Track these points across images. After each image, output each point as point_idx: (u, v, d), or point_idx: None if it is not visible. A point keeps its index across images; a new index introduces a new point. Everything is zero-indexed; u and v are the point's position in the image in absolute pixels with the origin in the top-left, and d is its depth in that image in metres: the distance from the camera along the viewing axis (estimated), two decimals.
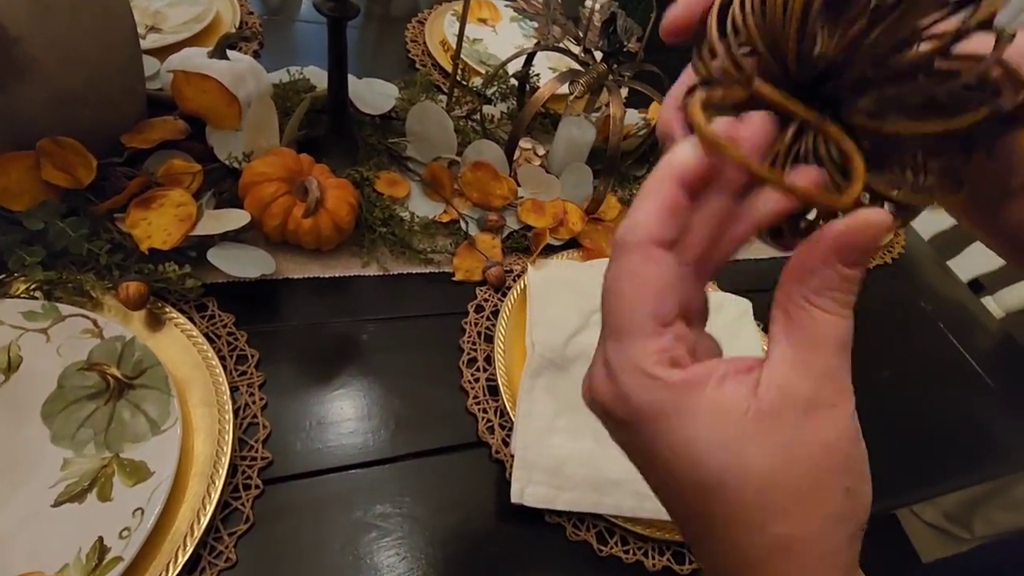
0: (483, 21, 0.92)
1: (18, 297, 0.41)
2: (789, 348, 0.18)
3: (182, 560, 0.35)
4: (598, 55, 0.62)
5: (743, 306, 0.61)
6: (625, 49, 0.57)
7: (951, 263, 1.08)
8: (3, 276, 0.42)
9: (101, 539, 0.33)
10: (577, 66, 0.61)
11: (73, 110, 0.43)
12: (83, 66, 0.42)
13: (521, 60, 0.68)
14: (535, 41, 0.62)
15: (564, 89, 0.59)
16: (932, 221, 1.13)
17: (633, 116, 0.78)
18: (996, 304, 1.04)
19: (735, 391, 0.17)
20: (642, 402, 0.18)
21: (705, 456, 0.17)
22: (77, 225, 0.42)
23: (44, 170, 0.42)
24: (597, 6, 0.61)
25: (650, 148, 0.75)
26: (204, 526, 0.36)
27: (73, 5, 0.40)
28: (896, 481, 0.58)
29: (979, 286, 1.11)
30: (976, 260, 1.06)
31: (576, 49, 0.61)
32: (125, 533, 0.34)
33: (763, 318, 0.64)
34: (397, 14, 0.92)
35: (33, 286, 0.42)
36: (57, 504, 0.35)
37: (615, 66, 0.60)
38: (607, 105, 0.61)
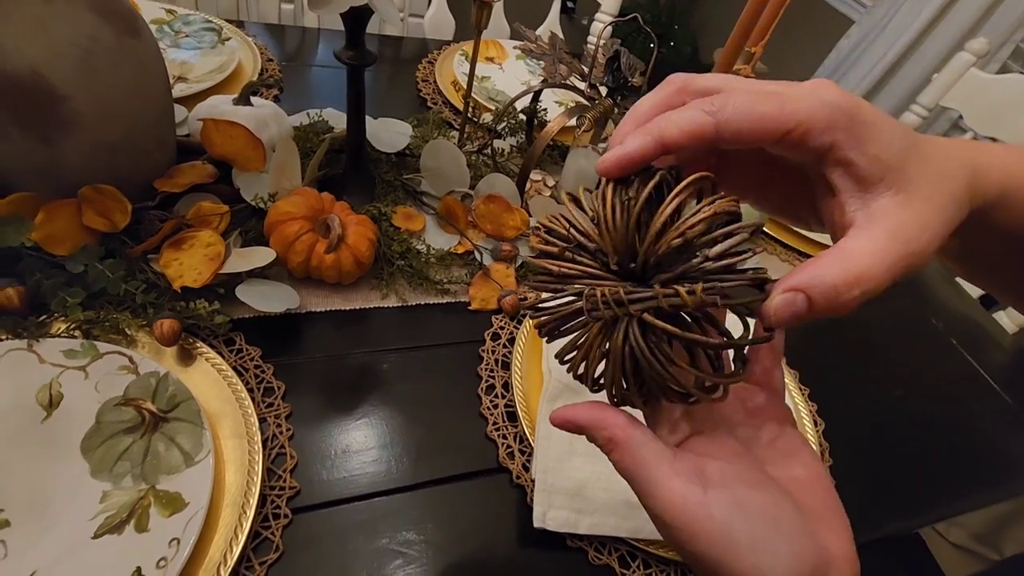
0: (490, 59, 0.96)
1: (58, 336, 0.43)
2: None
3: None
4: (603, 90, 0.65)
5: None
6: (629, 84, 0.60)
7: (961, 279, 1.09)
8: (44, 317, 0.44)
9: (139, 569, 0.35)
10: (584, 101, 0.63)
11: (111, 159, 0.46)
12: (122, 119, 0.45)
13: (528, 96, 0.71)
14: (542, 78, 0.65)
15: (572, 122, 0.62)
16: None
17: None
18: (1009, 319, 1.03)
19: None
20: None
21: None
22: (115, 267, 0.45)
23: (85, 216, 0.45)
24: (601, 43, 0.64)
25: None
26: (236, 555, 0.37)
27: (115, 63, 0.43)
28: (915, 500, 0.58)
29: (991, 301, 1.11)
30: None
31: (582, 85, 0.64)
32: (162, 563, 0.35)
33: None
34: (407, 56, 0.96)
35: (72, 326, 0.44)
36: (97, 536, 0.36)
37: (619, 100, 0.63)
38: None
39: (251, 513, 0.39)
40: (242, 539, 0.38)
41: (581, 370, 0.25)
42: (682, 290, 0.21)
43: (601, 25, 1.13)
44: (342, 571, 0.40)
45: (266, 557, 0.39)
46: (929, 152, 0.22)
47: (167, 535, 0.36)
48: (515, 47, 0.98)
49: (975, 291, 1.06)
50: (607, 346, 0.23)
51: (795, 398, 0.59)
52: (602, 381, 0.25)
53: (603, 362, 0.24)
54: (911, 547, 0.79)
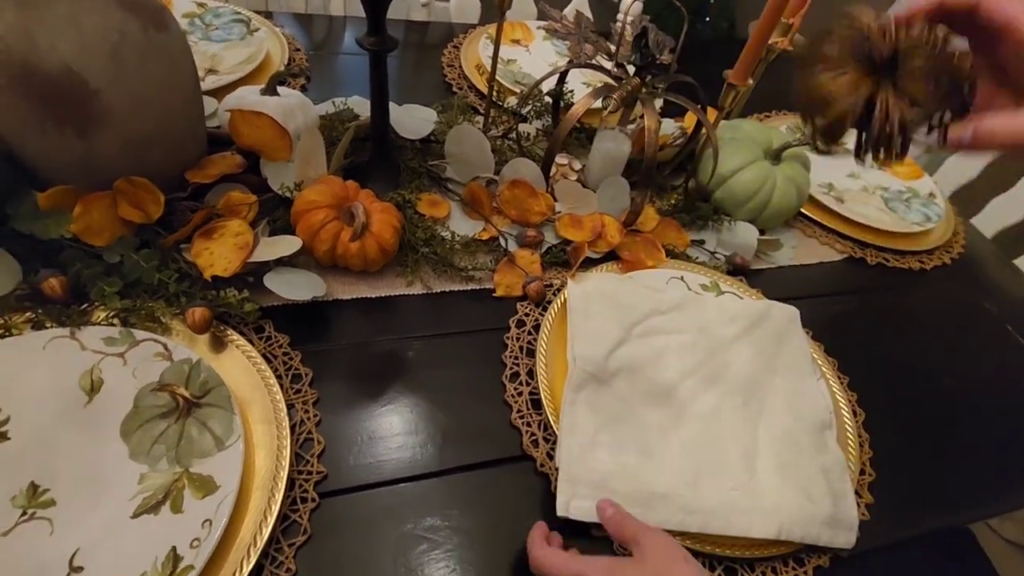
0: (516, 42, 0.94)
1: (98, 324, 0.45)
2: None
3: (246, 569, 0.37)
4: (631, 69, 0.63)
5: (790, 313, 0.60)
6: (658, 62, 0.58)
7: (1019, 262, 1.02)
8: (85, 306, 0.46)
9: (174, 548, 0.36)
10: (611, 81, 0.62)
11: (144, 152, 0.47)
12: (153, 113, 0.46)
13: (555, 78, 0.69)
14: (568, 59, 0.63)
15: (598, 104, 0.60)
16: (993, 218, 1.07)
17: (669, 126, 0.78)
18: None
19: None
20: None
21: None
22: (149, 257, 0.46)
23: (120, 208, 0.46)
24: (628, 20, 0.62)
25: (687, 157, 0.75)
26: (266, 537, 0.38)
27: (143, 57, 0.44)
28: (964, 495, 0.55)
29: None
30: None
31: (609, 64, 0.62)
32: (195, 543, 0.36)
33: (810, 325, 0.62)
34: (433, 41, 0.95)
35: (112, 314, 0.46)
36: (136, 516, 0.37)
37: (648, 79, 0.61)
38: (642, 117, 0.62)
39: (280, 496, 0.40)
40: (271, 521, 0.39)
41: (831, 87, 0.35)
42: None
43: (629, 1, 1.09)
44: (368, 555, 0.41)
45: (294, 539, 0.40)
46: None
47: (200, 516, 0.37)
48: (539, 27, 0.96)
49: None
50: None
51: (833, 387, 0.57)
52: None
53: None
54: (961, 543, 0.76)
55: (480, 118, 0.75)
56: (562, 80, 0.70)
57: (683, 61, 0.61)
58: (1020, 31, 0.31)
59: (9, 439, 0.39)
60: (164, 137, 0.49)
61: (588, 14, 1.17)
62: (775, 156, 0.70)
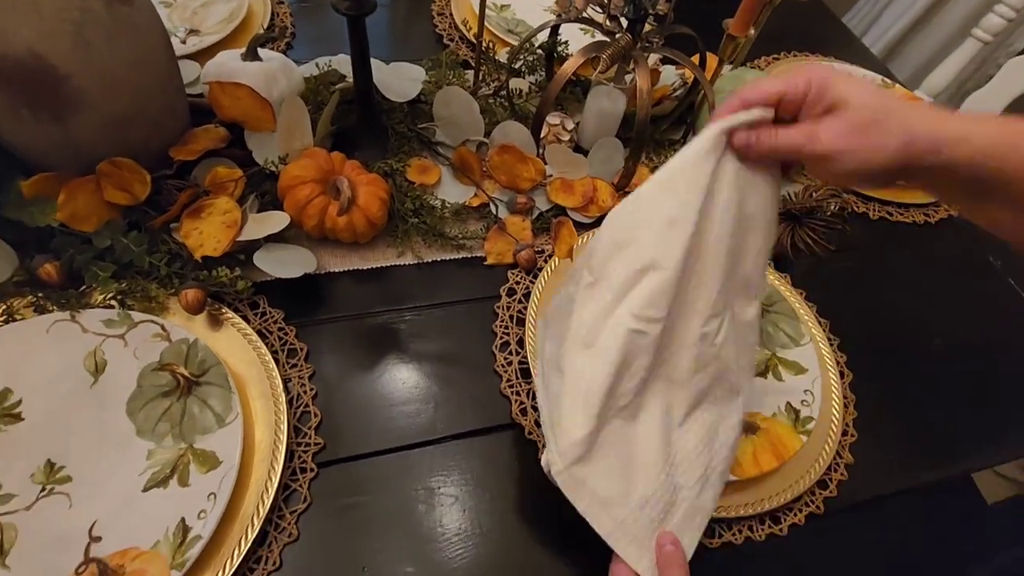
0: None
1: (97, 307, 0.46)
2: None
3: (251, 536, 0.40)
4: (625, 21, 0.59)
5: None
6: (651, 14, 0.55)
7: None
8: (83, 288, 0.47)
9: (183, 520, 0.39)
10: (603, 36, 0.59)
11: (123, 132, 0.47)
12: (126, 91, 0.45)
13: (547, 31, 0.66)
14: (556, 14, 0.60)
15: (590, 59, 0.58)
16: None
17: (670, 75, 0.75)
18: None
19: None
20: None
21: None
22: (138, 240, 0.47)
23: (105, 191, 0.46)
24: None
25: (687, 109, 0.72)
26: (268, 506, 0.41)
27: (110, 34, 0.43)
28: (947, 451, 0.56)
29: None
30: None
31: (600, 17, 0.59)
32: (202, 515, 0.39)
33: (805, 285, 0.62)
34: None
35: (109, 296, 0.47)
36: (146, 490, 0.40)
37: (642, 33, 0.58)
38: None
39: (279, 468, 0.43)
40: (272, 491, 0.42)
41: None
42: None
43: None
44: (366, 519, 0.43)
45: (296, 507, 0.42)
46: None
47: (205, 489, 0.40)
48: None
49: None
50: None
51: (822, 350, 0.57)
52: None
53: None
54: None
55: (472, 73, 0.72)
56: (555, 33, 0.67)
57: (679, 11, 0.58)
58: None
59: (23, 419, 0.42)
60: (142, 115, 0.48)
61: None
62: None
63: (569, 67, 0.56)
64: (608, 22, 0.59)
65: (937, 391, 0.60)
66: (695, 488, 0.38)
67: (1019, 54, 1.08)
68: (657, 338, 0.37)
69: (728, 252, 0.37)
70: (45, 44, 0.40)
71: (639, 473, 0.38)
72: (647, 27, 0.58)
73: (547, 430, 0.39)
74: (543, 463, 0.39)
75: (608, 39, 0.59)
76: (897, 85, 0.90)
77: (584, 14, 0.58)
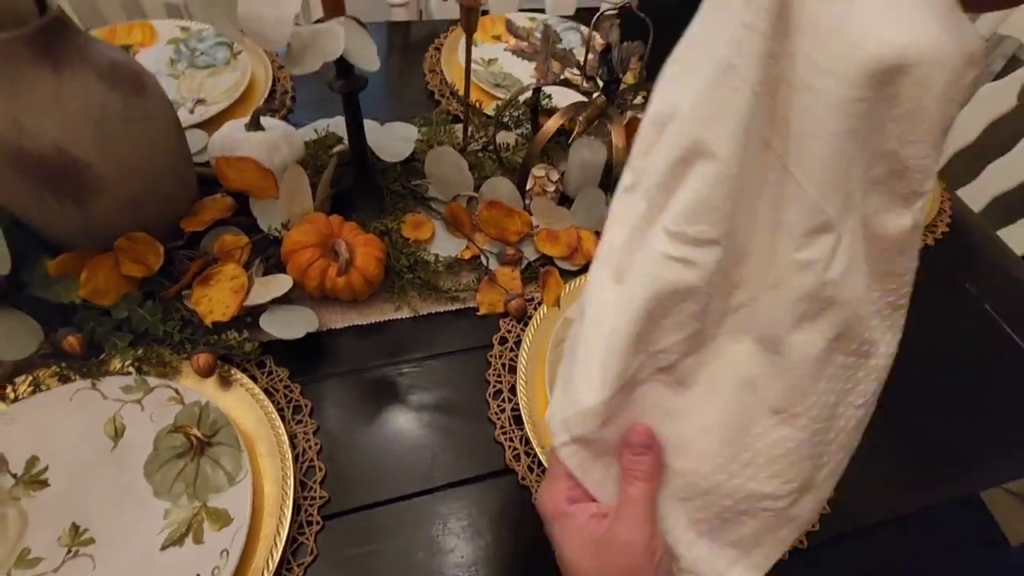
0: (497, 38, 0.94)
1: (116, 374, 0.50)
2: (619, 507, 0.31)
3: None
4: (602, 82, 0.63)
5: None
6: (622, 80, 0.59)
7: (1008, 231, 1.02)
8: (102, 356, 0.51)
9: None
10: (581, 96, 0.63)
11: (138, 210, 0.51)
12: (141, 173, 0.49)
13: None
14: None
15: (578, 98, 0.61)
16: (990, 184, 1.06)
17: None
18: None
19: (589, 522, 0.31)
20: (547, 511, 0.33)
21: (568, 553, 0.31)
22: (153, 310, 0.50)
23: (123, 266, 0.50)
24: (596, 34, 0.62)
25: None
26: (277, 560, 0.44)
27: (126, 124, 0.47)
28: (938, 479, 0.58)
29: None
30: None
31: (578, 79, 0.63)
32: (216, 571, 0.42)
33: None
34: (419, 40, 0.95)
35: (127, 363, 0.50)
36: (164, 548, 0.43)
37: (618, 91, 0.62)
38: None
39: (287, 523, 0.45)
40: (281, 546, 0.44)
41: None
42: None
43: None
44: (370, 569, 0.46)
45: (303, 560, 0.45)
46: None
47: (218, 547, 0.43)
48: (505, 48, 0.91)
49: (1021, 246, 1.00)
50: None
51: None
52: None
53: None
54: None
55: (461, 125, 0.76)
56: (538, 90, 0.71)
57: (657, 62, 0.62)
58: None
59: (50, 485, 0.45)
60: (156, 193, 0.52)
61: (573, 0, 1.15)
62: None
63: (550, 127, 0.60)
64: (585, 82, 0.63)
65: (922, 415, 0.62)
66: (789, 497, 0.27)
67: (993, 79, 1.12)
68: (714, 271, 0.24)
69: (845, 114, 0.21)
70: (68, 138, 0.44)
71: (688, 462, 0.27)
72: (623, 84, 0.63)
73: (556, 386, 0.30)
74: (547, 417, 0.32)
75: (586, 98, 0.63)
76: None
77: (562, 77, 0.62)
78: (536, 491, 0.50)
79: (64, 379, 0.49)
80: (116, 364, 0.51)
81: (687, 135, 0.23)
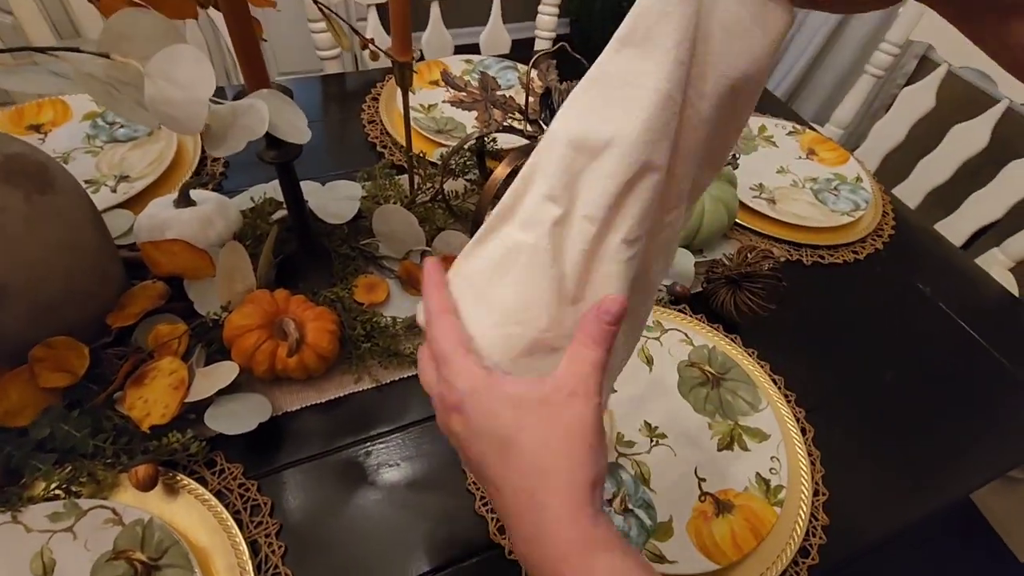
0: (435, 83, 0.93)
1: (40, 500, 0.44)
2: (565, 362, 0.29)
3: None
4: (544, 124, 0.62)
5: None
6: None
7: (947, 222, 1.06)
8: (23, 481, 0.45)
9: None
10: (525, 140, 0.61)
11: (55, 313, 0.46)
12: (55, 275, 0.45)
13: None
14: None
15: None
16: (922, 180, 1.10)
17: None
18: (1004, 255, 1.01)
19: (520, 383, 0.29)
20: (464, 385, 0.29)
21: (503, 427, 0.28)
22: (80, 423, 0.45)
23: (41, 378, 0.45)
24: (534, 75, 0.61)
25: None
26: None
27: (31, 227, 0.43)
28: (926, 484, 0.58)
29: (986, 231, 1.08)
30: (977, 209, 1.04)
31: (521, 124, 0.62)
32: None
33: (755, 344, 0.64)
34: (354, 91, 0.93)
35: (52, 485, 0.45)
36: None
37: None
38: None
39: None
40: None
41: None
42: None
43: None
44: None
45: None
46: None
47: None
48: (444, 100, 0.90)
49: (966, 230, 1.04)
50: None
51: (781, 411, 0.59)
52: None
53: None
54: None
55: (405, 177, 0.74)
56: (480, 139, 0.70)
57: None
58: None
59: None
60: (74, 293, 0.47)
61: (506, 34, 1.16)
62: None
63: (498, 175, 0.58)
64: (529, 126, 0.62)
65: (897, 425, 0.62)
66: None
67: (908, 80, 1.18)
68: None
69: (709, 124, 0.28)
70: None
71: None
72: None
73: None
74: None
75: (531, 141, 0.62)
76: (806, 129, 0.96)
77: (504, 124, 0.61)
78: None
79: None
80: (40, 489, 0.45)
81: (636, 158, 0.27)
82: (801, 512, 0.52)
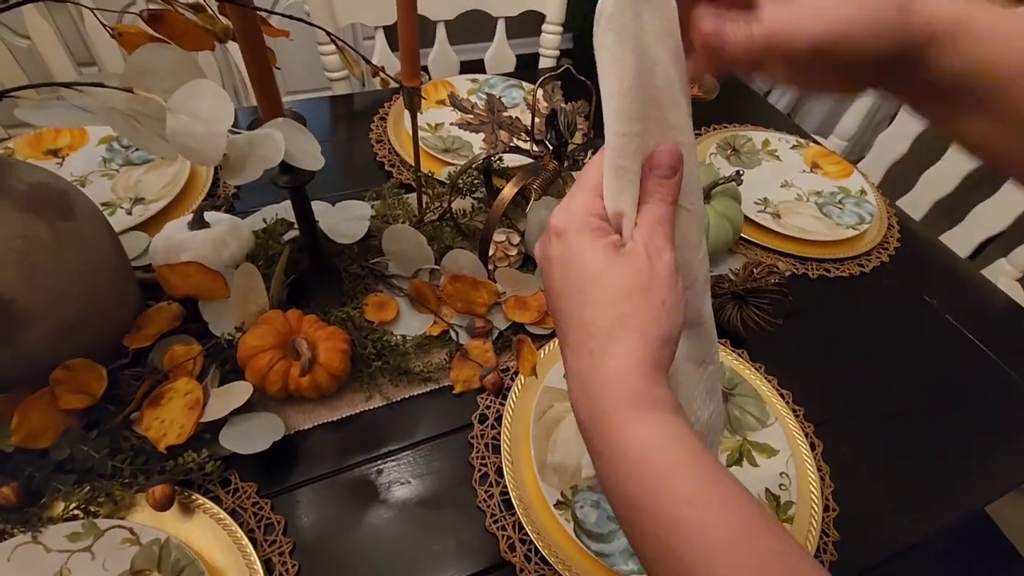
0: (442, 103, 0.94)
1: (60, 520, 0.45)
2: (640, 221, 0.30)
3: None
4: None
5: None
6: (569, 144, 0.59)
7: (953, 233, 1.06)
8: (43, 501, 0.46)
9: None
10: (532, 160, 0.63)
11: (74, 335, 0.47)
12: (75, 299, 0.46)
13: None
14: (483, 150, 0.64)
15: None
16: (926, 192, 1.11)
17: None
18: (1011, 265, 1.01)
19: (610, 236, 0.30)
20: (577, 214, 0.30)
21: (592, 262, 0.29)
22: (99, 444, 0.46)
23: (60, 399, 0.46)
24: (540, 94, 0.63)
25: None
26: None
27: (54, 253, 0.44)
28: (937, 499, 0.58)
29: (992, 242, 1.08)
30: (983, 220, 1.04)
31: (527, 144, 0.63)
32: None
33: (761, 359, 0.64)
34: (363, 109, 0.95)
35: (72, 505, 0.46)
36: None
37: (567, 153, 0.62)
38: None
39: None
40: None
41: None
42: None
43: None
44: None
45: None
46: None
47: None
48: (451, 123, 0.91)
49: (965, 249, 1.04)
50: None
51: (790, 426, 0.59)
52: None
53: None
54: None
55: (415, 195, 0.75)
56: (487, 159, 0.71)
57: (598, 127, 0.62)
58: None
59: None
60: (93, 315, 0.48)
61: (510, 52, 1.18)
62: (705, 196, 0.72)
63: (506, 196, 0.59)
64: (535, 147, 0.63)
65: (908, 439, 0.62)
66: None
67: None
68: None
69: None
70: None
71: None
72: (572, 144, 0.63)
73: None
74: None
75: (537, 161, 0.63)
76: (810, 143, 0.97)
77: (510, 144, 0.62)
78: None
79: (0, 535, 0.44)
80: (59, 509, 0.46)
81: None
82: (811, 528, 0.52)
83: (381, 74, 0.50)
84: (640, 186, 0.30)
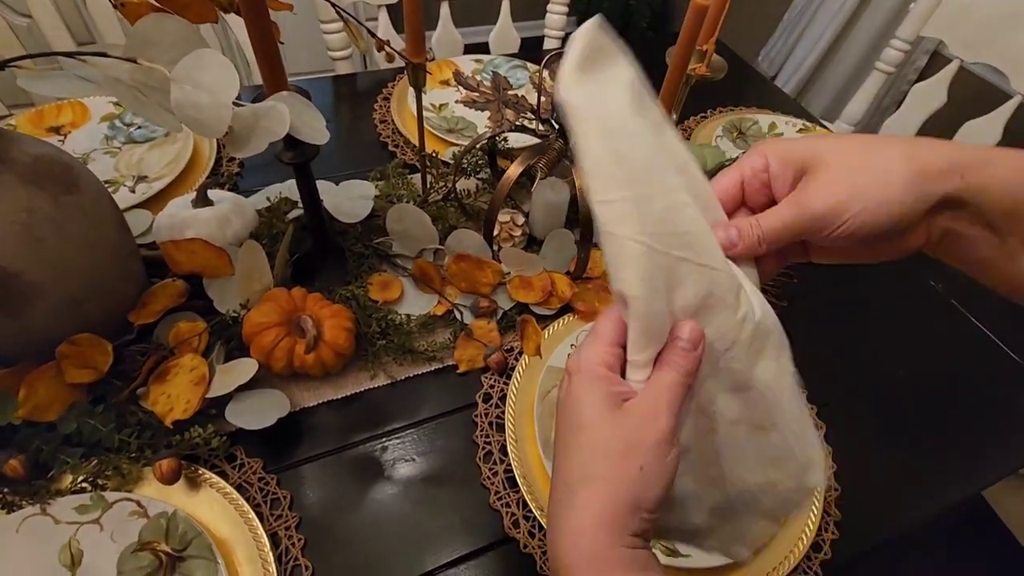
0: (446, 83, 0.93)
1: (68, 493, 0.45)
2: (649, 384, 0.30)
3: None
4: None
5: None
6: None
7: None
8: (52, 474, 0.46)
9: None
10: (538, 139, 0.62)
11: (79, 310, 0.47)
12: (80, 273, 0.46)
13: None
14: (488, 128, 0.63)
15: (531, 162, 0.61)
16: None
17: None
18: None
19: (614, 386, 0.30)
20: (587, 359, 0.30)
21: (585, 411, 0.29)
22: (106, 418, 0.46)
23: (67, 373, 0.46)
24: (546, 74, 0.62)
25: None
26: None
27: (58, 226, 0.44)
28: (938, 483, 0.58)
29: None
30: None
31: (533, 124, 0.62)
32: None
33: None
34: (366, 89, 0.94)
35: (80, 478, 0.46)
36: None
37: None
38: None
39: None
40: None
41: None
42: None
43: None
44: None
45: None
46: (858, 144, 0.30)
47: None
48: (456, 100, 0.90)
49: None
50: None
51: None
52: None
53: None
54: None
55: (419, 175, 0.75)
56: (492, 138, 0.70)
57: None
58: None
59: None
60: (97, 290, 0.48)
61: (515, 33, 1.16)
62: (709, 179, 0.71)
63: (511, 175, 0.59)
64: (541, 126, 0.63)
65: (910, 422, 0.62)
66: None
67: (919, 76, 1.17)
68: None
69: None
70: None
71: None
72: None
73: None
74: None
75: (543, 141, 0.62)
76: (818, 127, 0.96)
77: (516, 123, 0.61)
78: (539, 557, 0.48)
79: (9, 507, 0.44)
80: (67, 482, 0.46)
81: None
82: (814, 508, 0.52)
83: (386, 48, 0.50)
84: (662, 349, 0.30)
